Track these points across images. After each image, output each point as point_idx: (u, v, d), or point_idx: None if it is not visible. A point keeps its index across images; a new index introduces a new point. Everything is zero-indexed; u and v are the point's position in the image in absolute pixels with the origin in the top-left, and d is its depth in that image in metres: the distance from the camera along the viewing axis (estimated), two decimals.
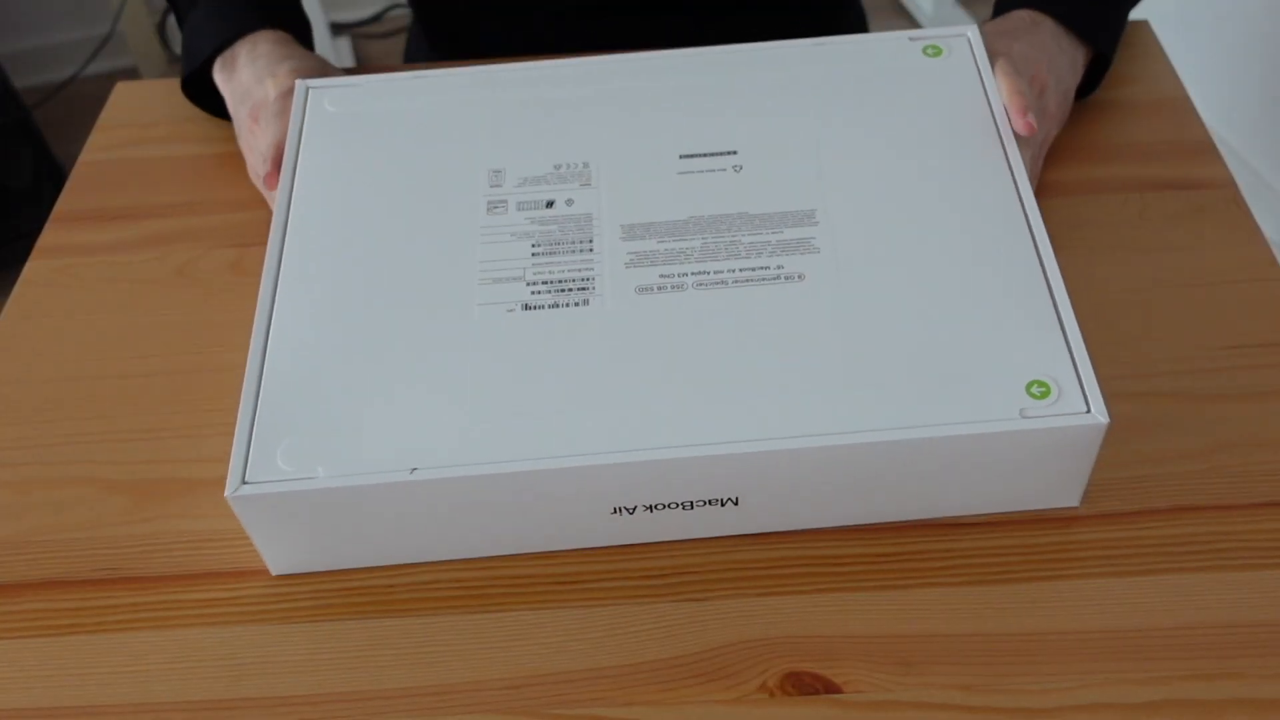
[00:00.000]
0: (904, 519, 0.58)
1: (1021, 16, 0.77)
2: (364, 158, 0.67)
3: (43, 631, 0.57)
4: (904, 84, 0.69)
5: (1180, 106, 0.79)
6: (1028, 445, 0.54)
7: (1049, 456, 0.55)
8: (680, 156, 0.66)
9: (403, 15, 2.38)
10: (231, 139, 0.85)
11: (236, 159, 0.82)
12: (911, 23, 2.28)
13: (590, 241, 0.62)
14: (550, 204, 0.63)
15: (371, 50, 2.34)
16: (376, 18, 2.38)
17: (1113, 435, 0.61)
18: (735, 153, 0.66)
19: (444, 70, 0.72)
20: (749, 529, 0.58)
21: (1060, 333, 0.57)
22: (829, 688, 0.53)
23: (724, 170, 0.65)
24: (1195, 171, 0.76)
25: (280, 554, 0.57)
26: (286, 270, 0.62)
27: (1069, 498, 0.58)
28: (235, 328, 0.66)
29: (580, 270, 0.60)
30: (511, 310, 0.59)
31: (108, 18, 2.19)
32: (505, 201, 0.64)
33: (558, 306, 0.59)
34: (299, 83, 0.72)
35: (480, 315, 0.59)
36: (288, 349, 0.58)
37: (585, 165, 0.66)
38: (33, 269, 0.76)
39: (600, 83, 0.70)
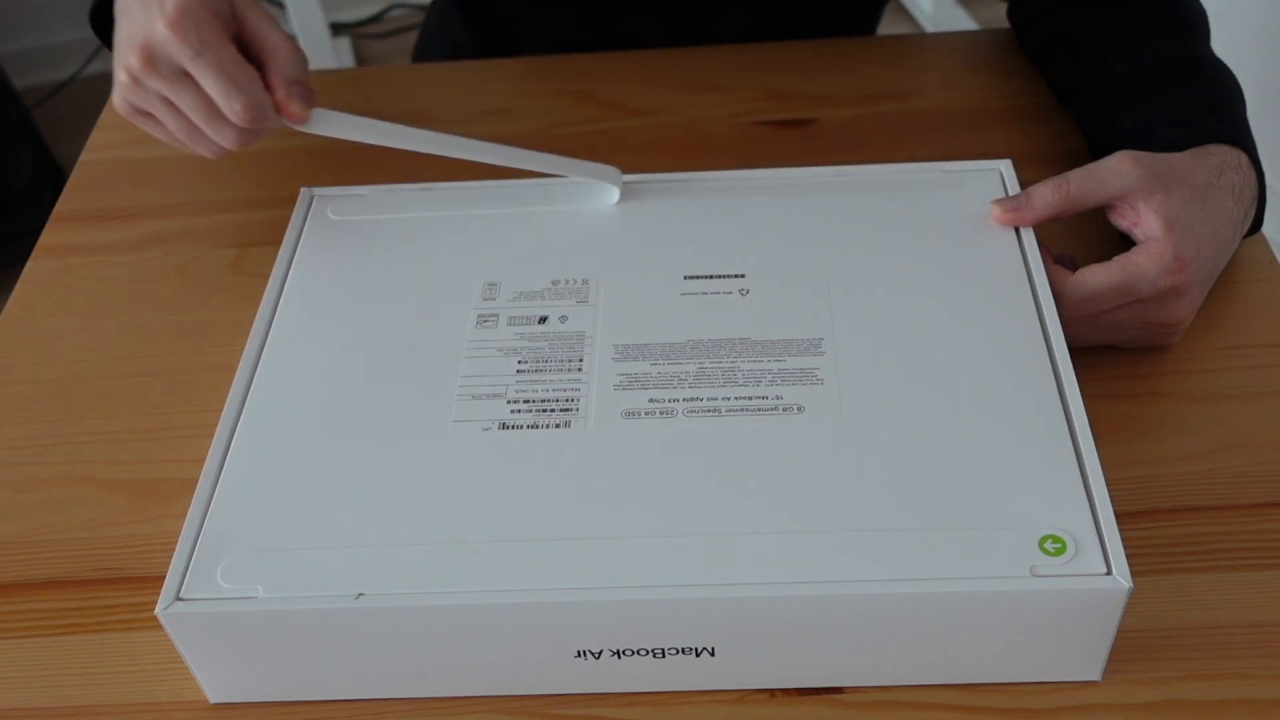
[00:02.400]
0: (898, 683, 0.53)
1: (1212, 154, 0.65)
2: (359, 267, 0.65)
3: (43, 631, 0.57)
4: (926, 215, 0.65)
5: None
6: (1039, 607, 0.49)
7: (1063, 621, 0.50)
8: (685, 277, 0.62)
9: (403, 15, 2.38)
10: None
11: (236, 159, 0.81)
12: (911, 22, 2.28)
13: (580, 360, 0.58)
14: (543, 320, 0.61)
15: (371, 50, 2.34)
16: (376, 18, 2.38)
17: (1113, 435, 0.61)
18: (743, 276, 0.62)
19: (450, 185, 0.70)
20: (725, 684, 0.53)
21: (1082, 483, 0.51)
22: (829, 688, 0.53)
23: (730, 293, 0.61)
24: None
25: (218, 680, 0.53)
26: (261, 376, 0.59)
27: (1088, 670, 0.52)
28: (235, 328, 0.66)
29: (565, 390, 0.57)
30: (487, 429, 0.55)
31: None
32: (496, 315, 0.61)
33: (537, 427, 0.55)
34: (304, 190, 0.70)
35: (453, 433, 0.55)
36: (248, 459, 0.55)
37: (584, 282, 0.63)
38: (33, 269, 0.76)
39: (608, 200, 0.68)
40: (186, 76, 0.61)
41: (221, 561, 0.51)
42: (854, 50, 0.90)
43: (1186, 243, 0.60)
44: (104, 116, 0.88)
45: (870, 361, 0.57)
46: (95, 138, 0.86)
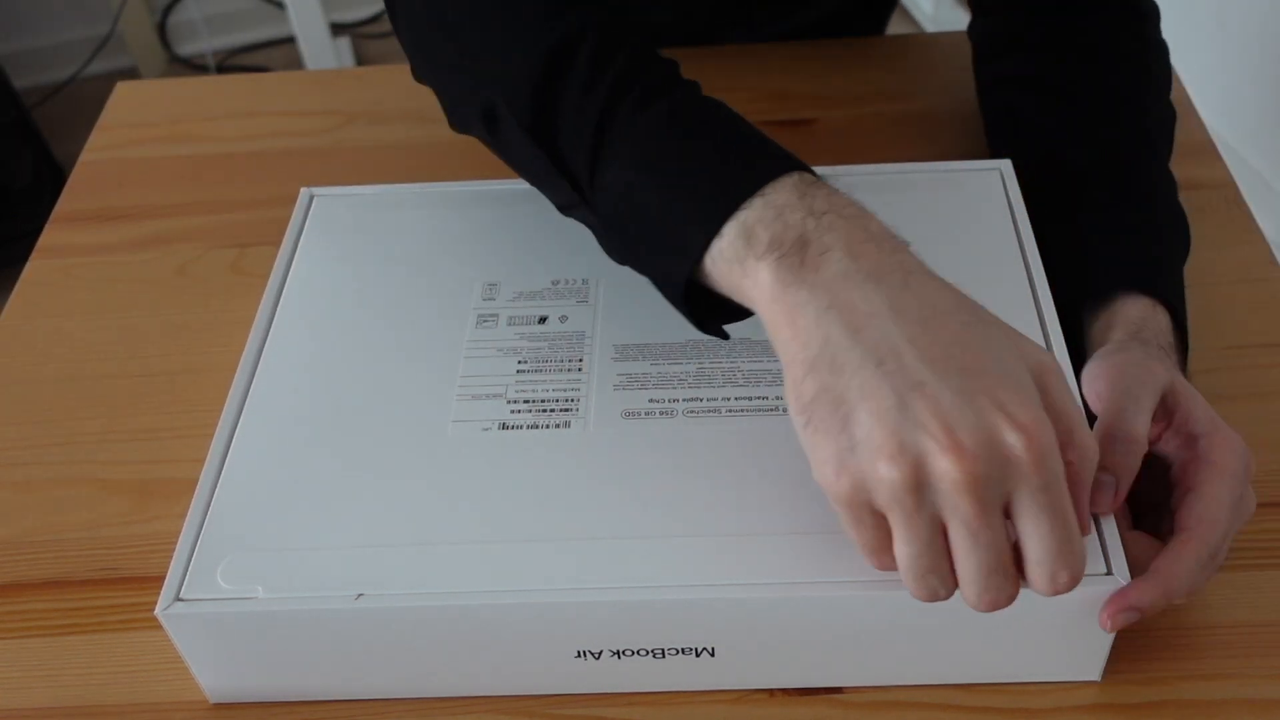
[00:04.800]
0: (898, 683, 0.53)
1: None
2: (359, 267, 0.64)
3: (42, 631, 0.57)
4: (926, 215, 0.64)
5: (1180, 106, 0.79)
6: (1038, 607, 0.47)
7: (1063, 621, 0.49)
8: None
9: None
10: (230, 139, 0.85)
11: (236, 159, 0.82)
12: (911, 22, 2.28)
13: (580, 360, 0.58)
14: (543, 320, 0.60)
15: (371, 50, 2.34)
16: (376, 18, 2.38)
17: None
18: None
19: (450, 185, 0.69)
20: (725, 684, 0.53)
21: None
22: (829, 688, 0.53)
23: None
24: (1195, 171, 0.76)
25: (218, 680, 0.53)
26: (260, 376, 0.59)
27: (1088, 670, 0.52)
28: (235, 328, 0.66)
29: (565, 390, 0.57)
30: (487, 429, 0.55)
31: (108, 18, 2.19)
32: (496, 316, 0.61)
33: (536, 428, 0.55)
34: (303, 190, 0.69)
35: (453, 433, 0.55)
36: (248, 459, 0.55)
37: (584, 282, 0.62)
38: (33, 269, 0.76)
39: None
40: (998, 509, 0.42)
41: (221, 561, 0.51)
42: (854, 50, 0.90)
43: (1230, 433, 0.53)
44: (104, 116, 0.88)
45: None
46: (95, 138, 0.86)
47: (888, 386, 0.41)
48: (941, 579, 0.43)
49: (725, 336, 0.52)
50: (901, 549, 0.42)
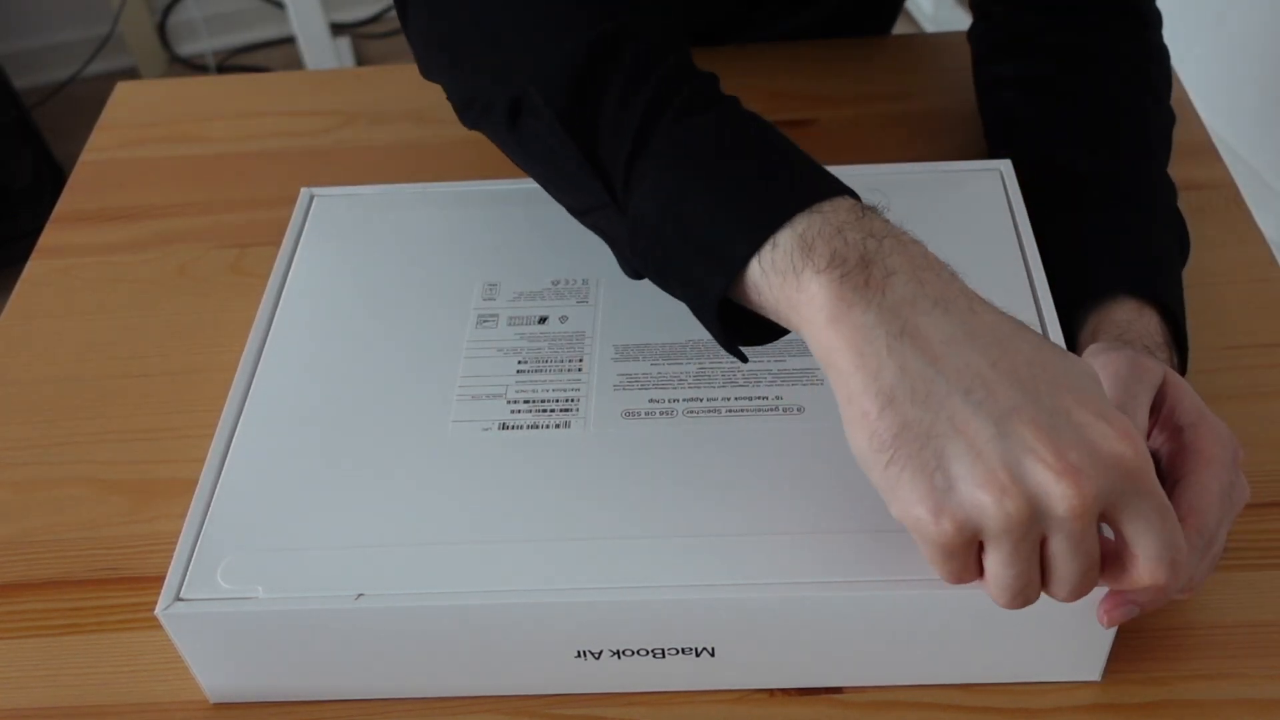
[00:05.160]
0: (898, 683, 0.53)
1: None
2: (359, 267, 0.64)
3: (43, 631, 0.57)
4: (926, 215, 0.63)
5: (1180, 106, 0.79)
6: (1039, 607, 0.47)
7: (1063, 621, 0.49)
8: None
9: None
10: (231, 139, 0.85)
11: (236, 159, 0.82)
12: (911, 22, 2.28)
13: (580, 360, 0.58)
14: (543, 320, 0.60)
15: (371, 50, 2.34)
16: (376, 18, 2.38)
17: None
18: None
19: (450, 185, 0.69)
20: (725, 684, 0.53)
21: None
22: (829, 688, 0.53)
23: None
24: (1195, 171, 0.76)
25: (218, 680, 0.53)
26: (260, 376, 0.59)
27: (1088, 670, 0.52)
28: (235, 328, 0.66)
29: (565, 390, 0.57)
30: (487, 429, 0.55)
31: (108, 18, 2.19)
32: (496, 316, 0.61)
33: (537, 428, 0.55)
34: (304, 190, 0.69)
35: (453, 433, 0.55)
36: (248, 459, 0.55)
37: (584, 282, 0.62)
38: (33, 269, 0.76)
39: None
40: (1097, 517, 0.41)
41: (221, 561, 0.51)
42: (854, 50, 0.90)
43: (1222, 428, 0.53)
44: (104, 116, 0.88)
45: None
46: (95, 138, 0.86)
47: (983, 415, 0.39)
48: (1035, 589, 0.42)
49: (745, 359, 0.49)
50: (1003, 572, 0.41)
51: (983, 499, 0.39)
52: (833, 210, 0.44)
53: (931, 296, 0.42)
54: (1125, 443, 0.39)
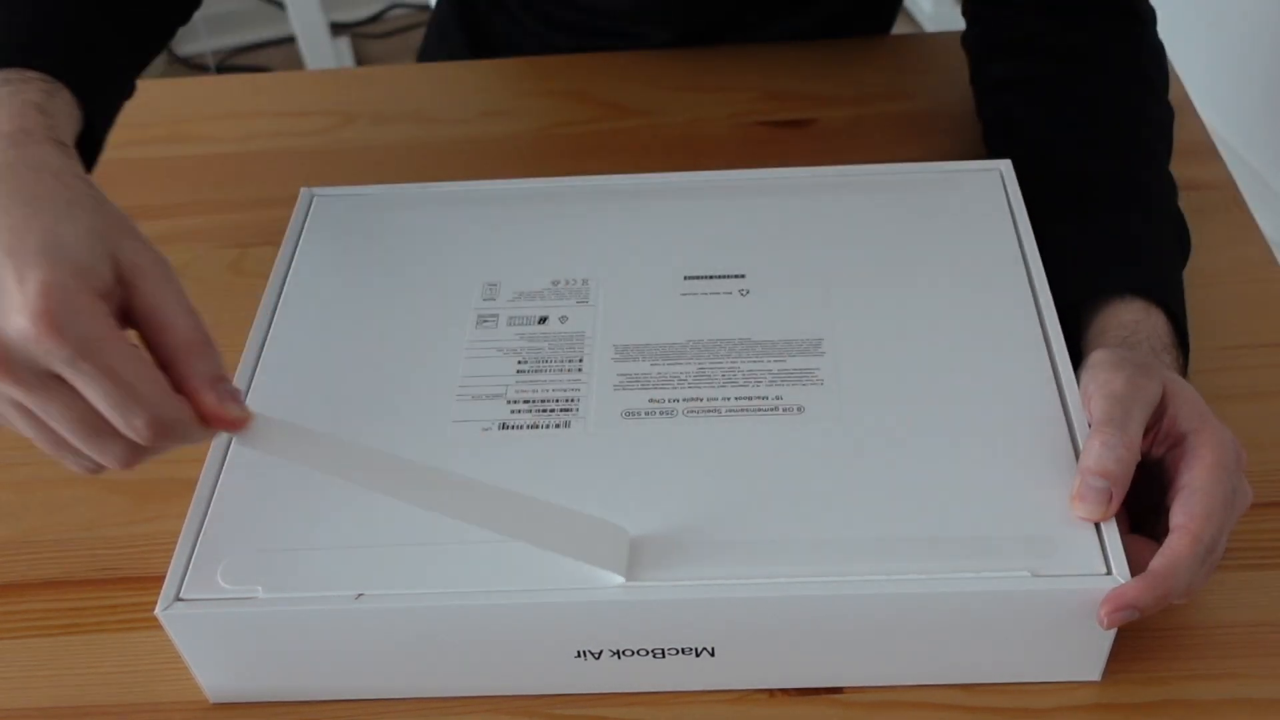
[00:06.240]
0: (898, 683, 0.53)
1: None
2: (358, 267, 0.64)
3: (43, 631, 0.57)
4: (926, 215, 0.65)
5: (1180, 106, 0.79)
6: (1039, 607, 0.49)
7: (1064, 621, 0.49)
8: (685, 278, 0.62)
9: (403, 15, 2.38)
10: (231, 139, 0.85)
11: (236, 159, 0.82)
12: (911, 22, 2.28)
13: (580, 360, 0.58)
14: (543, 320, 0.60)
15: (371, 50, 2.34)
16: (376, 18, 2.38)
17: None
18: (744, 276, 0.62)
19: (450, 185, 0.69)
20: (725, 684, 0.53)
21: None
22: (829, 688, 0.53)
23: (729, 294, 0.61)
24: (1195, 172, 0.76)
25: (218, 680, 0.53)
26: (261, 376, 0.59)
27: (1089, 670, 0.52)
28: (235, 328, 0.66)
29: (565, 390, 0.57)
30: (487, 429, 0.55)
31: None
32: (496, 316, 0.61)
33: (537, 428, 0.55)
34: (303, 190, 0.69)
35: (453, 433, 0.55)
36: (248, 459, 0.54)
37: (584, 282, 0.62)
38: None
39: (608, 200, 0.67)
40: (55, 380, 0.44)
41: (221, 561, 0.51)
42: (854, 50, 0.90)
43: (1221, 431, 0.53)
44: None
45: (870, 362, 0.57)
46: None
47: None
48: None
49: None
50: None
51: None
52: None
53: None
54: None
